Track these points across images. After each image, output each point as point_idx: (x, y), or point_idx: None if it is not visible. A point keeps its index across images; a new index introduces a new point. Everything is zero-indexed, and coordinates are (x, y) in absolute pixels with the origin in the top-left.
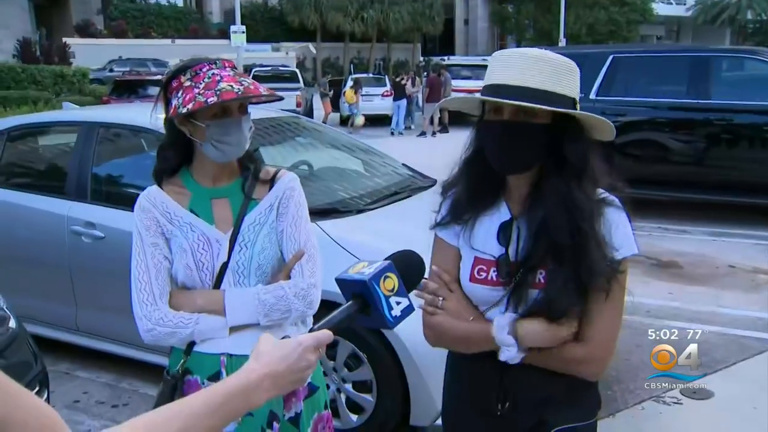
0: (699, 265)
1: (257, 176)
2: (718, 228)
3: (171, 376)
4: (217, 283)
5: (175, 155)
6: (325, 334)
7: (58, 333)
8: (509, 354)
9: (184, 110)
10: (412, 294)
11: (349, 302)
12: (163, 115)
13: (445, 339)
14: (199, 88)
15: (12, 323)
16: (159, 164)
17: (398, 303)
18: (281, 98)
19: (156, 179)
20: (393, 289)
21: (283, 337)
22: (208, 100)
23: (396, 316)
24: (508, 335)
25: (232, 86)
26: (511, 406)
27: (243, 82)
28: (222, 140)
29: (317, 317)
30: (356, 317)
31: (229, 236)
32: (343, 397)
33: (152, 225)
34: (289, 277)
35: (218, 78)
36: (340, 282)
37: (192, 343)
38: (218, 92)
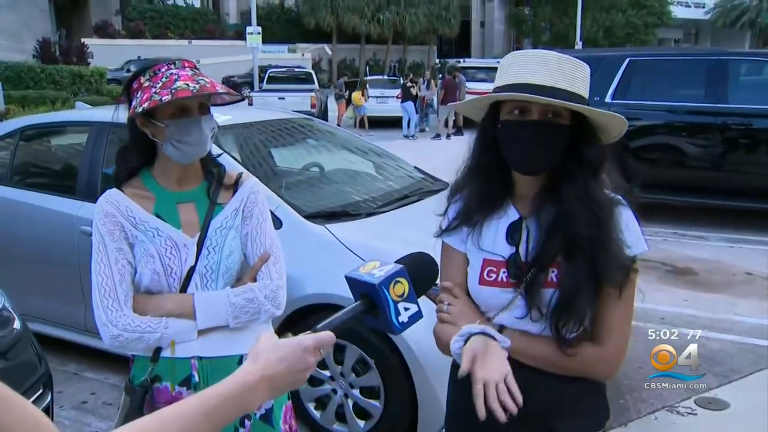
0: (715, 272)
1: (221, 180)
2: (736, 234)
3: (140, 386)
4: (184, 288)
5: (137, 157)
6: (328, 336)
7: (67, 333)
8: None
9: (140, 109)
10: (422, 299)
11: (357, 303)
12: (125, 115)
13: (438, 344)
14: (156, 87)
15: (16, 324)
16: (120, 165)
17: (406, 309)
18: (243, 98)
19: (117, 181)
20: (403, 294)
21: (284, 335)
22: (163, 98)
23: (403, 322)
24: (459, 350)
25: (188, 84)
26: (519, 414)
27: (200, 81)
28: (182, 140)
29: (320, 319)
30: (363, 318)
31: (197, 240)
32: (350, 402)
33: (116, 230)
34: (255, 280)
35: (175, 77)
36: (350, 280)
37: (158, 349)
38: (173, 91)
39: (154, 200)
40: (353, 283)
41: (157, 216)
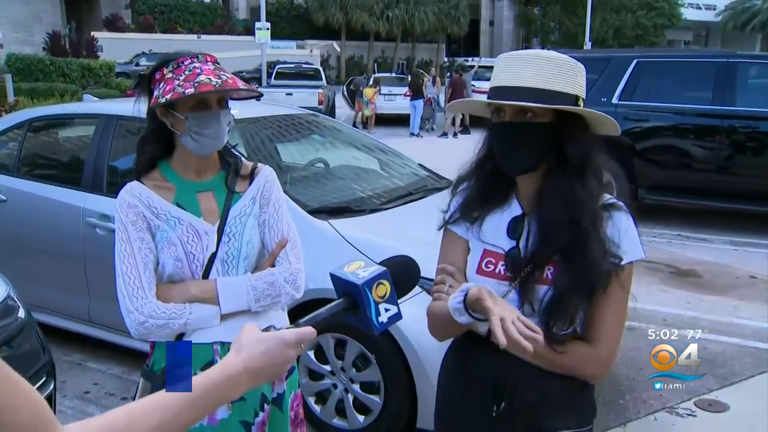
0: (718, 275)
1: (238, 170)
2: (740, 237)
3: (161, 371)
4: (206, 274)
5: (156, 147)
6: (308, 331)
7: (71, 324)
8: (484, 328)
9: (163, 100)
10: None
11: (339, 300)
12: (145, 106)
13: (432, 322)
14: (179, 80)
15: (21, 313)
16: (140, 156)
17: (387, 310)
18: (261, 95)
19: (137, 173)
20: (384, 295)
21: (266, 328)
22: (186, 91)
23: (382, 322)
24: (459, 304)
25: (210, 79)
26: (506, 407)
27: (222, 76)
28: (200, 132)
29: (307, 312)
30: (344, 315)
31: (217, 228)
32: (350, 397)
33: (138, 220)
34: (274, 265)
35: (198, 71)
36: (334, 278)
37: (180, 336)
38: (196, 84)
39: (174, 190)
40: (337, 281)
41: (178, 205)
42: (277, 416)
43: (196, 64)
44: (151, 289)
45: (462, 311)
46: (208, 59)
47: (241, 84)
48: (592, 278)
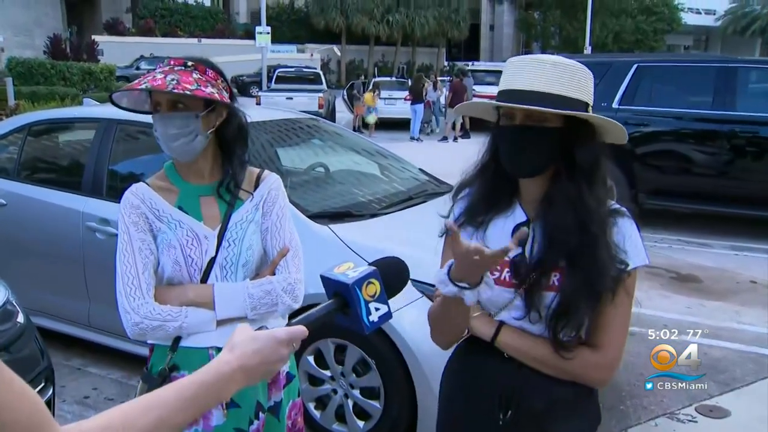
0: (719, 280)
1: (237, 183)
2: (741, 242)
3: (158, 374)
4: (204, 278)
5: None
6: (300, 330)
7: (71, 328)
8: (469, 297)
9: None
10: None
11: (329, 301)
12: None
13: (432, 324)
14: None
15: (20, 318)
16: None
17: (377, 309)
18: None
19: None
20: (374, 294)
21: (258, 328)
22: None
23: (373, 321)
24: (446, 275)
25: (140, 81)
26: (512, 415)
27: (148, 79)
28: (155, 135)
29: (299, 312)
30: (335, 316)
31: (217, 233)
32: (350, 402)
33: (140, 221)
34: (274, 273)
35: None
36: (324, 279)
37: (177, 339)
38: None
39: (177, 193)
40: (327, 282)
41: (180, 208)
42: (273, 425)
43: (158, 68)
44: (149, 290)
45: (446, 282)
46: (171, 62)
47: (145, 85)
48: (600, 283)
